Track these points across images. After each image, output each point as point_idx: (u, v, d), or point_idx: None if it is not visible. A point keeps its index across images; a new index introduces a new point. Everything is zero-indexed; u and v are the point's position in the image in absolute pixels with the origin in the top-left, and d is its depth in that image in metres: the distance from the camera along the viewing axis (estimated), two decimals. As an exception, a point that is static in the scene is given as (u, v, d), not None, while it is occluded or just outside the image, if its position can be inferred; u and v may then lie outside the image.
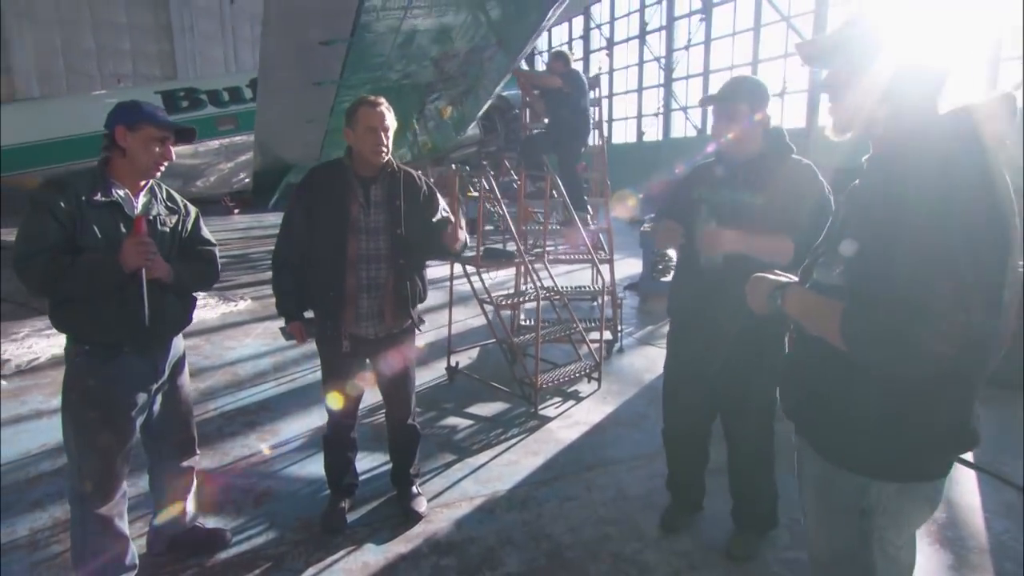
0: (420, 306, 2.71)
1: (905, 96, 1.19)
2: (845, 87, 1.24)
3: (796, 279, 1.38)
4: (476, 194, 5.20)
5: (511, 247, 4.65)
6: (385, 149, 2.42)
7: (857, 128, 1.26)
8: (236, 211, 18.28)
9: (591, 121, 5.48)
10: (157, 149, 2.02)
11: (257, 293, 7.93)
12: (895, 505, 1.29)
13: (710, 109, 2.34)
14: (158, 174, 2.09)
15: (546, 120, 5.55)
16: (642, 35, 23.73)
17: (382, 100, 2.43)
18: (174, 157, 2.08)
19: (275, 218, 18.12)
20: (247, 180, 11.49)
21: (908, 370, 1.11)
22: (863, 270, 1.16)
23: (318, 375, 4.57)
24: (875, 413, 1.24)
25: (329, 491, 2.84)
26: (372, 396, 4.30)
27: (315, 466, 3.28)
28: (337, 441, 2.78)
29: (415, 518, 2.76)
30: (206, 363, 5.09)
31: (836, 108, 1.27)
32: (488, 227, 10.35)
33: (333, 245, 2.44)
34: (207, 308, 6.98)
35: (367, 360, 2.69)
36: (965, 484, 3.11)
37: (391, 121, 2.43)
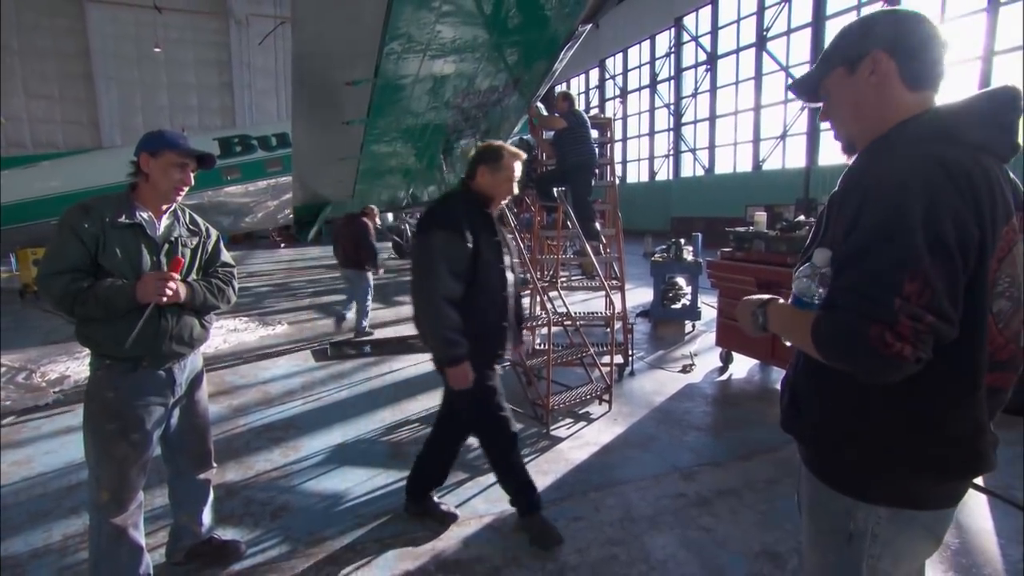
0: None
1: (870, 109, 1.13)
2: (834, 111, 1.20)
3: (779, 297, 1.24)
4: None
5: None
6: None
7: (858, 146, 1.17)
8: (282, 245, 18.70)
9: (596, 156, 5.42)
10: (177, 175, 1.97)
11: (294, 318, 7.92)
12: (888, 533, 1.09)
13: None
14: (179, 198, 2.03)
15: (555, 159, 5.51)
16: (653, 84, 23.90)
17: (522, 152, 2.48)
18: (192, 182, 2.02)
19: (317, 251, 18.41)
20: (291, 216, 11.71)
21: (872, 373, 0.96)
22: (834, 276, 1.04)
23: (343, 395, 4.52)
24: (859, 427, 1.08)
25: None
26: (391, 414, 4.20)
27: (332, 482, 3.15)
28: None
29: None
30: (241, 381, 5.02)
31: (836, 132, 1.22)
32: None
33: (498, 276, 2.39)
34: (248, 331, 6.99)
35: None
36: (976, 508, 2.82)
37: None
